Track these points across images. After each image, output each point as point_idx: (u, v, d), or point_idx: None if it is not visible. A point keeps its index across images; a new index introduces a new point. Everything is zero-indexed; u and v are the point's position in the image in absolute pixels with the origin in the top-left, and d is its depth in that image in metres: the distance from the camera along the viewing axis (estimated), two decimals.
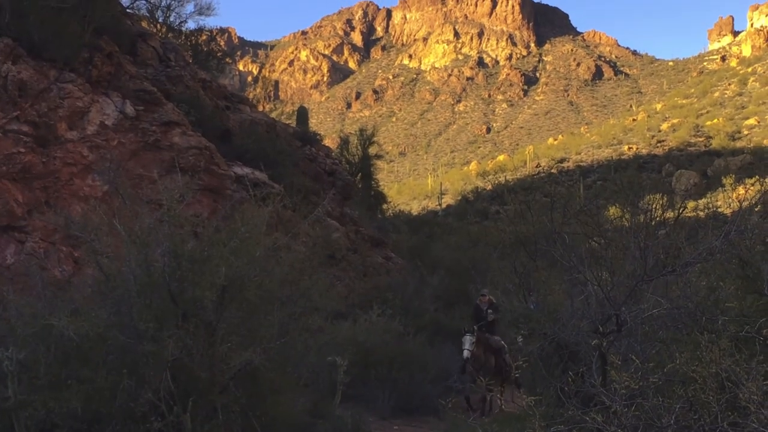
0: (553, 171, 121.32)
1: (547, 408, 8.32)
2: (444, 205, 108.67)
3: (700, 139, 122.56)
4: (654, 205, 15.22)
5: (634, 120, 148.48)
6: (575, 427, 6.15)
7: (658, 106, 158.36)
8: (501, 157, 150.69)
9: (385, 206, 53.65)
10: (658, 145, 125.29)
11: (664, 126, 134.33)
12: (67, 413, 11.34)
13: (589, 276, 13.03)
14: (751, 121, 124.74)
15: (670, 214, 15.49)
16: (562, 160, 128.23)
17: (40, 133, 24.17)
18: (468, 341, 21.08)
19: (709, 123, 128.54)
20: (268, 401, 12.49)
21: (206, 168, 27.52)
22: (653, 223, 14.20)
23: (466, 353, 20.87)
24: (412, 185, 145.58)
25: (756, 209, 15.49)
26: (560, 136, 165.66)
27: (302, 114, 50.54)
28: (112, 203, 18.38)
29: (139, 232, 12.76)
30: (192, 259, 12.22)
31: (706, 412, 6.32)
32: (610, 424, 6.01)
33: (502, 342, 22.70)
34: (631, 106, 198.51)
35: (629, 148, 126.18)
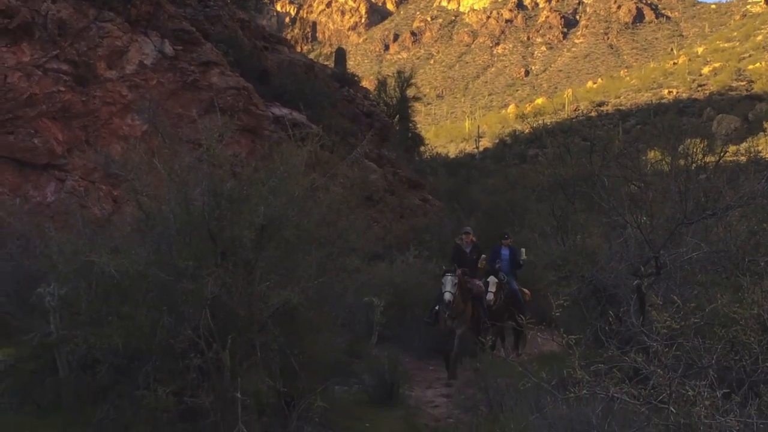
0: (592, 114, 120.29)
1: (586, 348, 8.31)
2: (481, 148, 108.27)
3: (742, 83, 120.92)
4: (694, 149, 15.10)
5: (674, 63, 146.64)
6: (615, 366, 6.14)
7: (700, 50, 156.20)
8: (539, 101, 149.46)
9: (422, 149, 53.58)
10: (699, 89, 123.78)
11: (705, 70, 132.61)
12: (107, 349, 11.47)
13: (629, 219, 12.95)
14: None
15: (710, 159, 15.35)
16: (601, 104, 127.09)
17: (80, 72, 24.28)
18: (449, 282, 17.86)
19: (751, 67, 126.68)
20: (306, 340, 12.55)
21: (245, 108, 27.57)
22: (693, 167, 14.09)
23: (447, 296, 17.70)
24: (450, 128, 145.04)
25: None
26: (600, 80, 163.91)
27: (340, 55, 50.31)
28: (151, 142, 18.40)
29: (178, 171, 12.78)
30: (231, 198, 12.24)
31: (747, 353, 6.30)
32: (650, 364, 5.99)
33: (514, 287, 20.89)
34: (672, 50, 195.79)
35: (669, 92, 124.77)
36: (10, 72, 23.30)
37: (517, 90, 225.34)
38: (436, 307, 18.53)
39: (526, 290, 21.39)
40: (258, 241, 12.17)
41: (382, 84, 52.40)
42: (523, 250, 21.78)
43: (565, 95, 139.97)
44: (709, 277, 11.84)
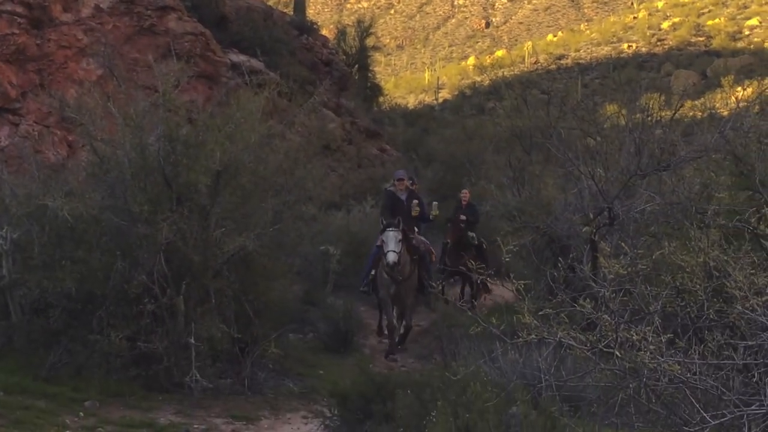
0: (551, 68, 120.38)
1: (537, 297, 8.42)
2: (441, 100, 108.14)
3: (701, 39, 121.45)
4: (651, 104, 15.21)
5: (634, 18, 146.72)
6: (563, 312, 6.23)
7: (660, 4, 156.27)
8: (499, 53, 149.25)
9: (381, 99, 53.35)
10: (658, 44, 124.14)
11: (665, 24, 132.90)
12: (61, 293, 11.46)
13: (583, 170, 13.07)
14: (753, 21, 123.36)
15: (666, 113, 15.48)
16: (560, 57, 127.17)
17: (35, 15, 23.92)
18: (393, 238, 15.29)
19: (710, 23, 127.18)
20: (261, 287, 12.59)
21: (202, 54, 27.30)
22: (650, 121, 14.21)
23: (391, 256, 15.11)
24: (409, 79, 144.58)
25: (754, 110, 15.45)
26: (560, 33, 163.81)
27: (300, 3, 49.79)
28: (106, 87, 18.29)
29: (134, 115, 12.71)
30: (187, 144, 12.22)
31: (693, 300, 6.41)
32: (597, 311, 6.09)
33: (428, 245, 17.77)
34: (632, 4, 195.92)
35: (629, 47, 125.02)
36: None
37: (478, 42, 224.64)
38: (372, 272, 16.19)
39: (432, 251, 18.34)
40: (214, 187, 12.17)
41: (341, 33, 51.99)
42: (435, 203, 18.92)
43: (525, 48, 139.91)
44: (661, 228, 12.00)
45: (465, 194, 20.95)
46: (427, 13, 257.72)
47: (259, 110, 13.39)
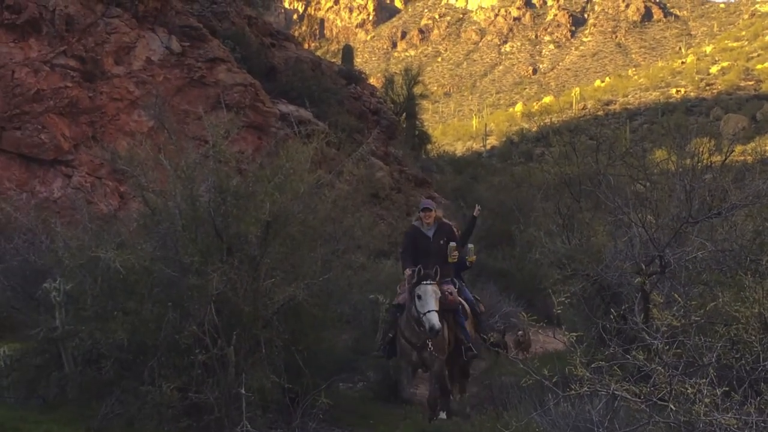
0: (599, 113, 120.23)
1: (588, 347, 8.34)
2: (489, 147, 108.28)
3: (750, 83, 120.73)
4: (701, 149, 15.09)
5: (683, 63, 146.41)
6: (616, 364, 6.17)
7: (708, 49, 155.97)
8: (547, 99, 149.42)
9: (429, 146, 53.60)
10: (707, 88, 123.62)
11: (714, 69, 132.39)
12: (112, 344, 11.52)
13: (633, 217, 12.96)
14: None
15: (716, 158, 15.35)
16: (608, 103, 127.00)
17: (87, 68, 24.39)
18: (431, 295, 12.13)
19: (759, 66, 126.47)
20: (311, 337, 12.60)
21: (251, 105, 27.64)
22: (699, 166, 14.09)
23: (434, 319, 11.91)
24: (457, 126, 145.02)
25: None
26: (607, 79, 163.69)
27: (347, 52, 50.37)
28: (157, 139, 18.45)
29: (184, 167, 12.83)
30: (237, 195, 12.29)
31: (748, 352, 6.33)
32: (651, 362, 6.02)
33: (468, 296, 14.72)
34: (680, 49, 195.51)
35: (677, 91, 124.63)
36: (17, 67, 23.45)
37: (525, 88, 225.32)
38: (390, 334, 13.48)
39: (481, 303, 15.84)
40: (263, 237, 12.22)
41: (389, 81, 52.44)
42: (472, 246, 15.71)
43: (573, 94, 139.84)
44: (713, 276, 11.86)
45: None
46: (474, 61, 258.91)
47: (308, 160, 13.47)
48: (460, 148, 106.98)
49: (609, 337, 6.83)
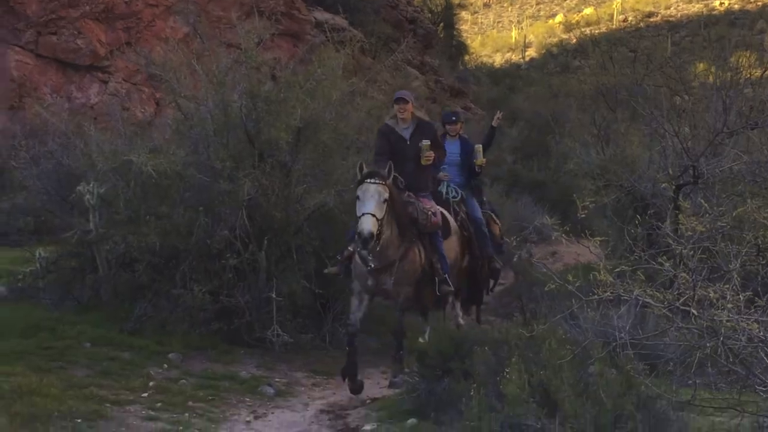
0: (640, 26, 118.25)
1: (619, 257, 8.34)
2: (527, 59, 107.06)
3: None
4: (742, 62, 14.86)
5: None
6: (639, 269, 6.15)
7: None
8: (588, 10, 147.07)
9: (467, 57, 53.04)
10: (751, 0, 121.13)
11: None
12: (145, 248, 11.65)
13: (668, 128, 12.83)
14: None
15: (757, 72, 15.10)
16: (650, 15, 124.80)
17: None
18: (371, 195, 9.68)
19: None
20: (341, 243, 12.66)
21: (286, 12, 27.37)
22: (740, 79, 13.88)
23: (366, 223, 9.48)
24: (496, 37, 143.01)
25: None
26: None
27: None
28: (191, 45, 18.39)
29: (217, 72, 12.83)
30: (268, 100, 12.28)
31: None
32: (676, 268, 6.00)
33: (476, 213, 12.80)
34: None
35: (721, 4, 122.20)
36: None
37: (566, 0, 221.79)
38: (349, 249, 10.59)
39: (496, 220, 13.96)
40: (295, 143, 12.24)
41: None
42: (479, 147, 13.32)
43: (614, 5, 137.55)
44: (747, 187, 11.75)
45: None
46: None
47: (340, 67, 13.41)
48: (498, 60, 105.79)
49: (636, 244, 6.81)
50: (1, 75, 22.88)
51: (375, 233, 9.35)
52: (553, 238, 19.49)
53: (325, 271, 11.19)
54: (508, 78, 56.69)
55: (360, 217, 9.44)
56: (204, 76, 13.10)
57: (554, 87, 41.92)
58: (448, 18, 48.93)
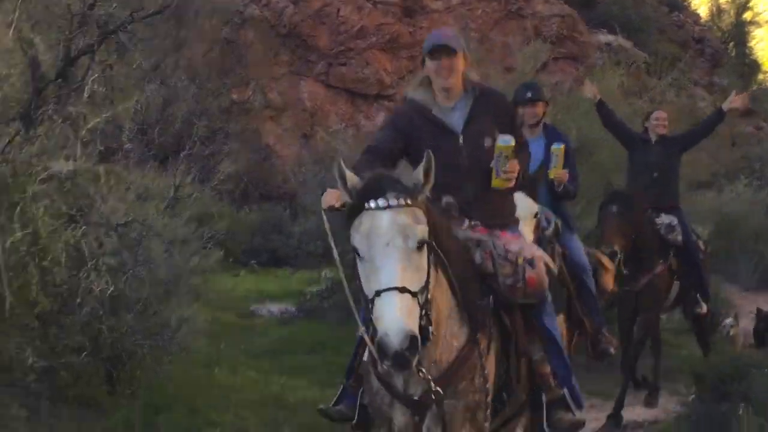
0: None
1: None
2: None
3: None
4: None
5: None
6: None
7: None
8: None
9: (761, 76, 51.01)
10: None
11: None
12: None
13: None
14: None
15: None
16: None
17: (407, 4, 25.16)
18: (391, 253, 3.96)
19: None
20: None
21: (568, 35, 27.37)
22: None
23: (395, 330, 3.72)
24: None
25: None
26: None
27: None
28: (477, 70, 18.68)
29: None
30: None
31: None
32: None
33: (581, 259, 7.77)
34: None
35: None
36: (342, 6, 24.56)
37: None
38: (363, 356, 5.06)
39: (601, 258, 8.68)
40: None
41: (716, 9, 50.23)
42: (557, 148, 7.57)
43: None
44: None
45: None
46: None
47: (617, 87, 13.34)
48: None
49: None
50: (296, 105, 24.19)
51: (417, 333, 3.81)
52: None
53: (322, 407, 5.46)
54: None
55: (373, 302, 3.92)
56: None
57: None
58: (739, 35, 47.32)
